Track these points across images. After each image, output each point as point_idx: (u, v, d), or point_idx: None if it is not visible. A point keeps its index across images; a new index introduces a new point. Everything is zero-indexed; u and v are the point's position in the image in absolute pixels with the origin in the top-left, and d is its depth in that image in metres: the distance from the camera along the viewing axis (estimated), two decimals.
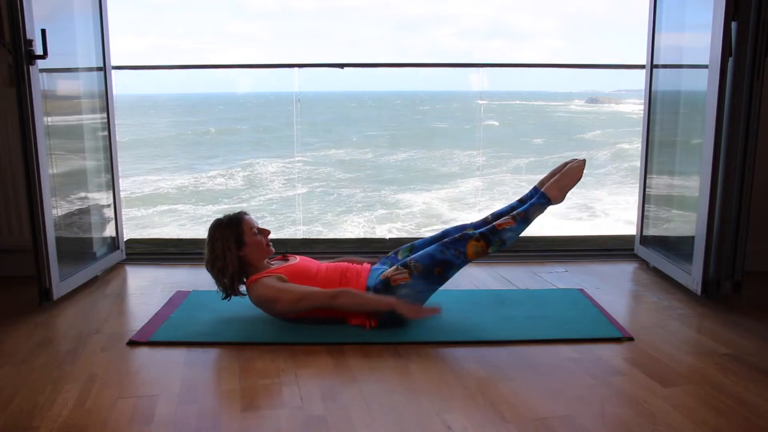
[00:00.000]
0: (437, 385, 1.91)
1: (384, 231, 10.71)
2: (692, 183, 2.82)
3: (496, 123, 23.65)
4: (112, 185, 3.23)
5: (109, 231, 3.25)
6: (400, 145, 21.07)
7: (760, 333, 2.32)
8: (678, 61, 3.11)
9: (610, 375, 1.98)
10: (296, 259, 2.52)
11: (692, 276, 2.70)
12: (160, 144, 20.77)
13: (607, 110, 30.97)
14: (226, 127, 24.48)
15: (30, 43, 2.46)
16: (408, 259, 2.39)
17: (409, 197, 13.72)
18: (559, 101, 34.42)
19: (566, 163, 2.53)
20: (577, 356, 2.12)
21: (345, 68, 3.81)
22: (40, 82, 2.55)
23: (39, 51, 2.49)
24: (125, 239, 3.40)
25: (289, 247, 3.24)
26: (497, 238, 2.38)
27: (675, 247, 3.02)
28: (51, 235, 2.61)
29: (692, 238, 2.72)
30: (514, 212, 2.44)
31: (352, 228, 10.99)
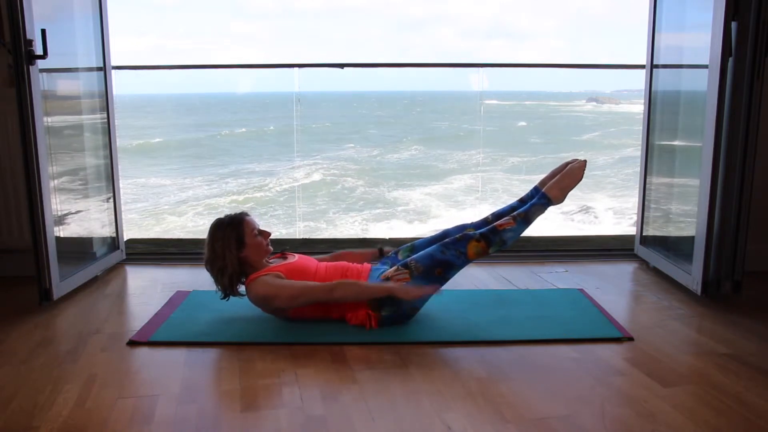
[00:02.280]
0: (437, 385, 1.91)
1: (385, 227, 10.86)
2: (692, 183, 2.82)
3: (524, 123, 23.66)
4: (112, 185, 3.23)
5: (109, 231, 3.25)
6: (402, 145, 21.16)
7: (760, 333, 2.32)
8: (678, 61, 3.11)
9: (610, 375, 1.98)
10: (295, 258, 2.52)
11: (692, 276, 2.70)
12: (195, 144, 20.98)
13: (607, 110, 31.01)
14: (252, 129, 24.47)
15: (30, 43, 2.46)
16: (409, 259, 2.39)
17: (408, 193, 13.86)
18: (559, 101, 34.46)
19: (567, 163, 2.53)
20: (577, 356, 2.12)
21: (345, 68, 3.81)
22: (40, 82, 2.55)
23: (39, 51, 2.49)
24: (125, 239, 3.40)
25: (288, 246, 3.24)
26: (498, 238, 2.38)
27: (675, 247, 3.02)
28: (51, 235, 2.61)
29: (692, 238, 2.72)
30: (515, 212, 2.45)
31: (353, 226, 11.11)
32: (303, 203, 11.78)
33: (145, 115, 25.61)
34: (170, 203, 12.82)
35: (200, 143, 21.08)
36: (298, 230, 9.61)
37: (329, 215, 11.79)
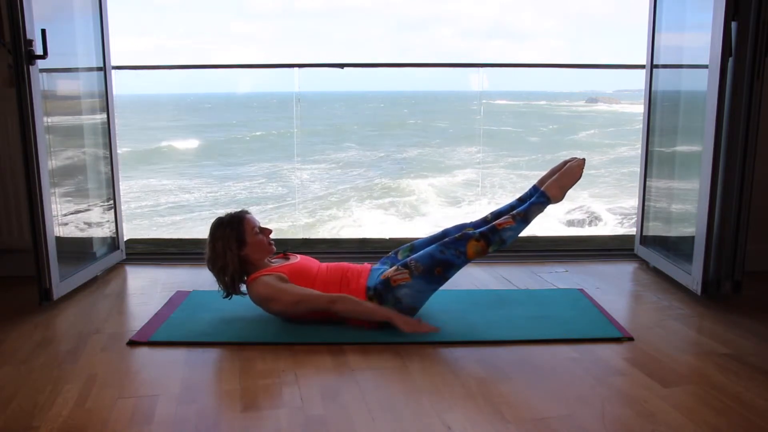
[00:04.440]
0: (437, 385, 1.91)
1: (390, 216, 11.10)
2: (692, 183, 2.82)
3: (554, 126, 23.78)
4: (113, 185, 3.23)
5: (109, 231, 3.25)
6: (407, 144, 21.27)
7: (760, 333, 2.32)
8: (678, 61, 3.11)
9: (610, 375, 1.98)
10: (297, 258, 2.53)
11: (692, 276, 2.70)
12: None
13: (614, 110, 31.02)
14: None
15: (30, 43, 2.46)
16: (408, 259, 2.39)
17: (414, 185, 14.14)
18: (560, 101, 34.46)
19: (566, 162, 2.53)
20: (577, 356, 2.12)
21: (345, 68, 3.81)
22: (40, 82, 2.55)
23: (39, 51, 2.49)
24: (125, 239, 3.40)
25: (289, 246, 3.24)
26: (497, 237, 2.38)
27: (675, 247, 3.02)
28: (51, 235, 2.61)
29: (692, 238, 2.72)
30: (514, 212, 2.44)
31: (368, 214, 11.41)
32: (300, 199, 12.10)
33: (177, 115, 25.70)
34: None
35: (238, 143, 21.13)
36: (322, 217, 10.13)
37: (348, 203, 12.23)
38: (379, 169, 16.87)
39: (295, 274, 2.39)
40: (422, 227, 10.43)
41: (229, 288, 2.42)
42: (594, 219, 10.59)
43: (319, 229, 10.62)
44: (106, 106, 3.17)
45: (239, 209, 2.50)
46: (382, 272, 2.40)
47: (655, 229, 3.28)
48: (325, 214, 11.67)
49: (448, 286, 2.47)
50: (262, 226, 2.49)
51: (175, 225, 11.24)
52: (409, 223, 11.36)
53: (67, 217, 2.90)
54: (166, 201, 13.37)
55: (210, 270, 2.44)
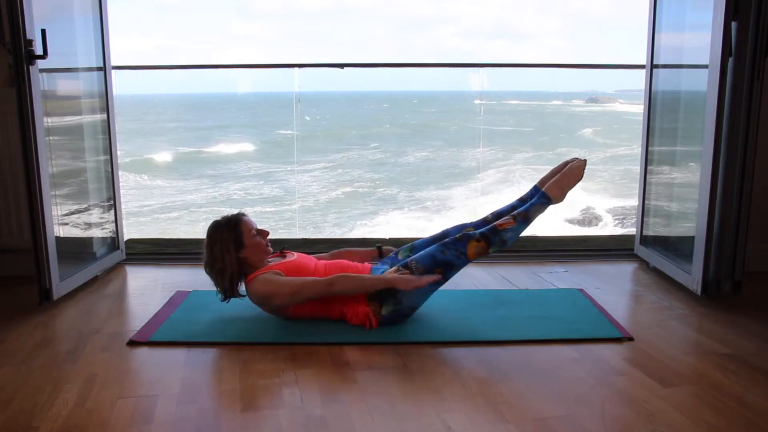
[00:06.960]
0: (437, 385, 1.91)
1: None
2: (692, 182, 2.82)
3: (555, 125, 23.96)
4: (113, 185, 3.23)
5: (109, 231, 3.25)
6: (412, 145, 21.32)
7: (760, 333, 2.32)
8: (678, 61, 3.11)
9: (610, 375, 1.98)
10: (294, 256, 2.52)
11: (692, 276, 2.70)
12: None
13: (608, 110, 31.07)
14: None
15: (30, 43, 2.46)
16: (409, 259, 2.39)
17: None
18: (561, 101, 34.49)
19: (567, 162, 2.53)
20: (577, 356, 2.12)
21: (345, 68, 3.81)
22: (40, 82, 2.55)
23: (39, 51, 2.49)
24: (125, 239, 3.40)
25: (287, 245, 3.24)
26: (498, 238, 2.38)
27: (675, 247, 3.01)
28: (51, 235, 2.60)
29: (692, 238, 2.71)
30: (515, 212, 2.44)
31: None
32: (298, 197, 12.24)
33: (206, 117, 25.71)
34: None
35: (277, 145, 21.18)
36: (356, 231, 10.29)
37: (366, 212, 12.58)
38: (403, 171, 17.11)
39: (291, 272, 2.38)
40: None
41: (228, 291, 2.41)
42: (594, 219, 10.59)
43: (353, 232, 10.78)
44: (106, 106, 3.17)
45: (236, 211, 2.49)
46: (382, 272, 2.40)
47: (655, 229, 3.28)
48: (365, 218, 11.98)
49: (448, 286, 2.47)
50: (259, 227, 2.49)
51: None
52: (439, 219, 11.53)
53: (67, 217, 2.90)
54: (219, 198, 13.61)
55: (208, 273, 2.43)
